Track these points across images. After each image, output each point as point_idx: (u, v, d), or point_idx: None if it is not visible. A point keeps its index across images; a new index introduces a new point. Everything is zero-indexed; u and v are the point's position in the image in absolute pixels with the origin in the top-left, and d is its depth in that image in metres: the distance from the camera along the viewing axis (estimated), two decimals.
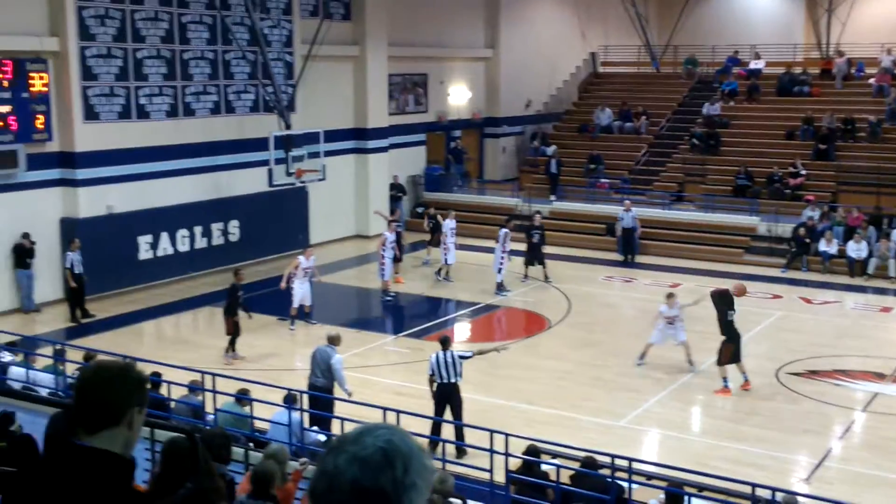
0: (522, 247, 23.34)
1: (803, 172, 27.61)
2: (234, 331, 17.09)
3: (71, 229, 20.69)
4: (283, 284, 19.01)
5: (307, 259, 19.10)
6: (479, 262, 25.20)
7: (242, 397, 12.30)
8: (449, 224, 23.28)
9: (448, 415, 13.15)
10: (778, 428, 14.29)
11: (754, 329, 19.11)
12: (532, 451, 10.44)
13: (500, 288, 22.05)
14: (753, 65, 33.37)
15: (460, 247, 25.25)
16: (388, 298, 21.96)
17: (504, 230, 22.27)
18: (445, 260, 23.30)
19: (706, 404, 15.64)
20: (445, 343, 13.46)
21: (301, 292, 18.96)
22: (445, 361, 13.16)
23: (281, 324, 19.29)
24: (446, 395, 13.20)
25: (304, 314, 19.31)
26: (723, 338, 15.81)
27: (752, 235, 26.12)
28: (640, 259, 25.67)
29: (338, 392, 13.32)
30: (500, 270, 22.00)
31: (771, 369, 16.77)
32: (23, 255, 19.96)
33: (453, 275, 23.45)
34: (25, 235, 19.95)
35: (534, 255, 23.12)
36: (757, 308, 20.82)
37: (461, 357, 13.33)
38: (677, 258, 25.50)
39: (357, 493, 1.79)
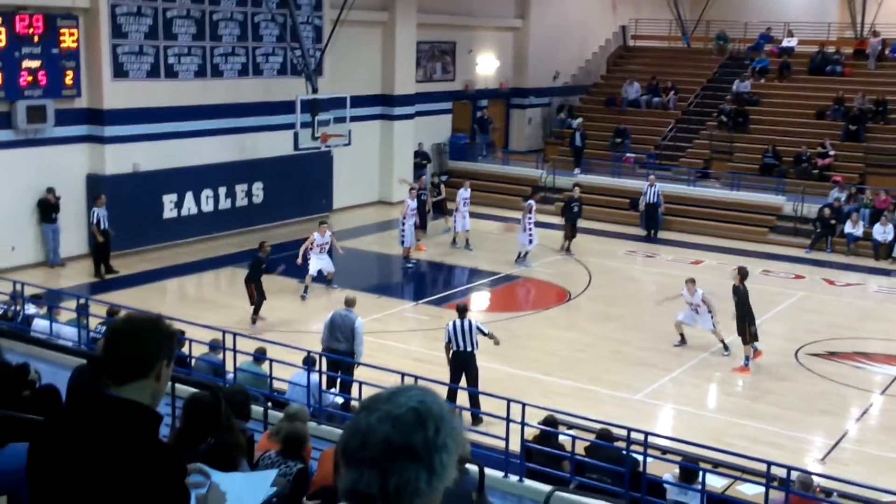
0: (546, 219, 23.29)
1: (832, 153, 27.33)
2: (258, 298, 17.11)
3: (97, 186, 20.83)
4: (299, 260, 18.85)
5: (322, 235, 18.97)
6: (501, 231, 25.21)
7: (260, 357, 12.40)
8: (462, 193, 23.38)
9: (463, 383, 13.20)
10: (795, 407, 14.27)
11: (775, 308, 19.04)
12: (550, 421, 10.48)
13: (521, 259, 22.02)
14: (786, 42, 32.94)
15: (483, 216, 25.29)
16: (410, 265, 22.02)
17: (530, 202, 22.27)
18: (455, 227, 23.41)
19: (724, 381, 15.63)
20: (462, 311, 13.50)
21: (318, 264, 18.90)
22: (462, 329, 13.21)
23: (301, 287, 19.27)
24: (462, 363, 13.25)
25: (325, 280, 19.33)
26: (740, 316, 15.78)
27: (777, 215, 25.94)
28: (663, 235, 25.56)
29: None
30: (530, 241, 21.95)
31: (790, 349, 16.72)
32: (48, 209, 20.12)
33: (474, 243, 23.45)
34: (50, 190, 20.10)
35: (574, 228, 23.16)
36: (779, 288, 20.75)
37: (479, 329, 13.36)
38: (701, 235, 25.39)
39: (389, 451, 1.81)
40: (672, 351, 16.48)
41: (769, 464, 9.43)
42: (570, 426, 11.04)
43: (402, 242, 21.93)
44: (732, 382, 15.64)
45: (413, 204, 21.95)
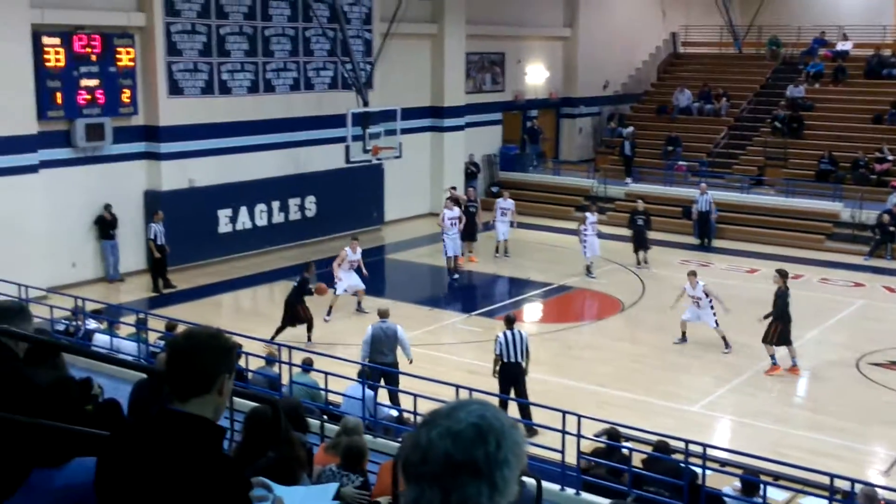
0: (609, 230, 23.06)
1: (890, 158, 26.79)
2: (305, 318, 16.91)
3: (154, 202, 21.17)
4: (337, 276, 18.60)
5: (353, 251, 18.60)
6: (552, 242, 25.11)
7: (307, 367, 12.49)
8: (500, 203, 23.40)
9: (512, 394, 13.16)
10: (857, 418, 13.97)
11: (835, 317, 18.71)
12: (612, 434, 10.38)
13: (589, 271, 21.85)
14: (840, 46, 32.42)
15: (534, 227, 25.19)
16: (455, 277, 21.70)
17: (587, 213, 22.13)
18: (497, 236, 23.39)
19: (782, 391, 15.37)
20: (511, 322, 13.47)
21: (347, 282, 18.46)
22: (514, 340, 13.17)
23: (350, 300, 19.14)
24: (513, 375, 13.19)
25: (357, 304, 18.84)
26: (775, 318, 15.74)
27: (834, 222, 25.50)
28: (717, 243, 25.24)
29: (401, 366, 13.48)
30: (584, 253, 21.80)
31: (851, 359, 16.40)
32: (105, 226, 20.50)
33: (524, 254, 23.31)
34: (107, 207, 20.46)
35: (639, 241, 22.78)
36: (838, 296, 20.38)
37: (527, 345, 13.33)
38: (756, 243, 25.02)
39: (450, 466, 1.81)
40: (727, 361, 16.25)
41: (832, 476, 9.25)
42: (627, 438, 10.94)
43: (446, 254, 21.61)
44: (791, 393, 15.38)
45: (449, 213, 21.65)
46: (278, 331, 16.59)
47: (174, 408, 2.72)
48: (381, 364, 13.32)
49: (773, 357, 15.77)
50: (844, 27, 33.36)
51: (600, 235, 22.10)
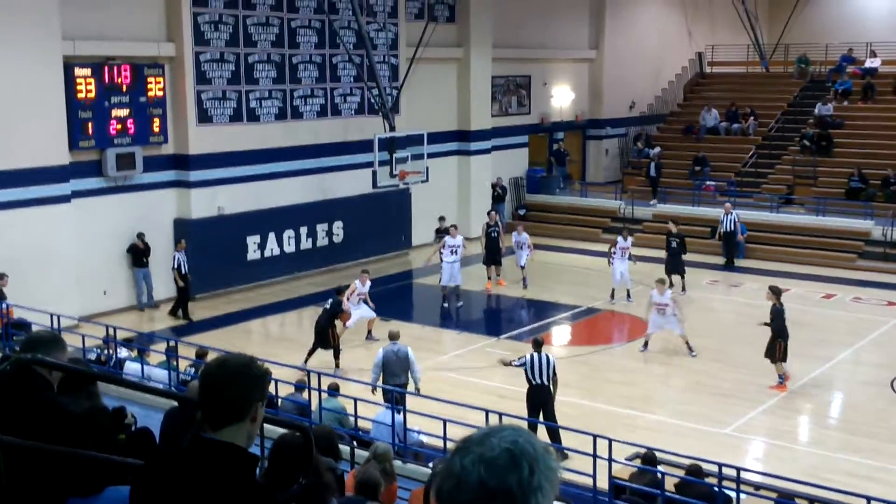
0: (635, 251, 22.94)
1: None
2: (337, 343, 16.93)
3: (184, 230, 21.34)
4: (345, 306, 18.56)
5: (363, 284, 18.45)
6: (580, 264, 25.02)
7: (333, 393, 12.50)
8: (515, 237, 23.11)
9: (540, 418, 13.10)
10: (894, 439, 13.76)
11: (868, 337, 18.47)
12: (648, 458, 10.27)
13: (613, 296, 21.69)
14: (869, 63, 32.24)
15: (561, 249, 25.09)
16: (444, 306, 21.49)
17: (619, 236, 21.97)
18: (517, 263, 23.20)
19: (816, 413, 15.19)
20: (538, 345, 13.43)
21: (356, 314, 18.26)
22: (540, 363, 13.12)
23: (378, 325, 19.15)
24: (541, 398, 13.13)
25: (369, 333, 18.71)
26: (773, 335, 15.70)
27: (865, 240, 25.24)
28: (747, 263, 25.05)
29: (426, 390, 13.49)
30: (617, 276, 21.67)
31: (886, 379, 16.16)
32: (139, 254, 20.65)
33: (550, 275, 23.27)
34: (140, 236, 20.64)
35: (673, 264, 22.19)
36: (871, 316, 20.14)
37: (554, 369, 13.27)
38: (786, 263, 24.80)
39: (484, 493, 1.81)
40: (758, 382, 16.06)
41: (869, 499, 9.11)
42: (659, 462, 10.84)
43: (449, 280, 21.34)
44: (825, 414, 15.18)
45: (451, 241, 21.35)
46: (310, 353, 16.67)
47: (207, 436, 2.73)
48: (397, 386, 13.37)
49: (781, 376, 15.75)
50: (873, 44, 33.16)
51: (630, 258, 21.89)
